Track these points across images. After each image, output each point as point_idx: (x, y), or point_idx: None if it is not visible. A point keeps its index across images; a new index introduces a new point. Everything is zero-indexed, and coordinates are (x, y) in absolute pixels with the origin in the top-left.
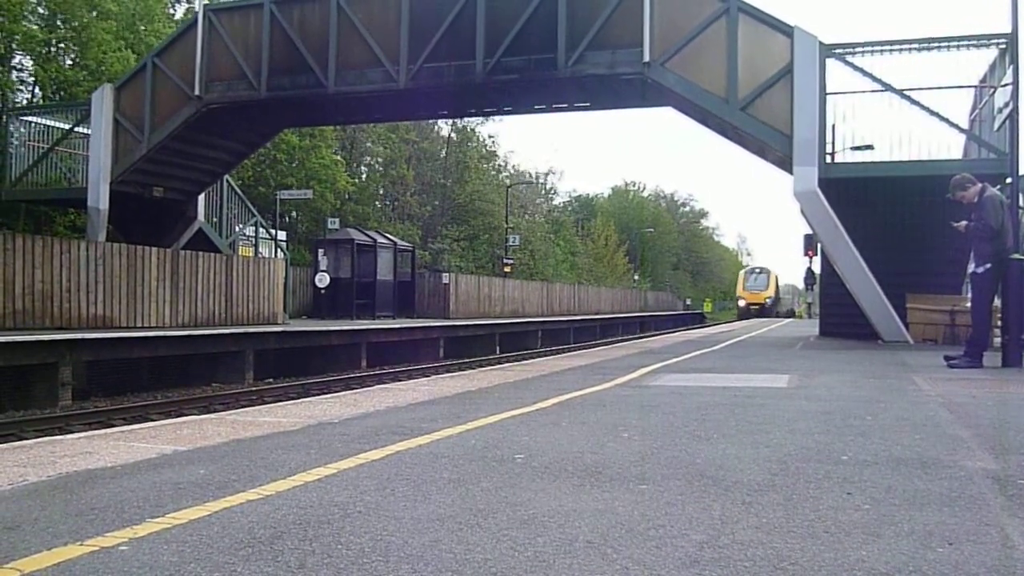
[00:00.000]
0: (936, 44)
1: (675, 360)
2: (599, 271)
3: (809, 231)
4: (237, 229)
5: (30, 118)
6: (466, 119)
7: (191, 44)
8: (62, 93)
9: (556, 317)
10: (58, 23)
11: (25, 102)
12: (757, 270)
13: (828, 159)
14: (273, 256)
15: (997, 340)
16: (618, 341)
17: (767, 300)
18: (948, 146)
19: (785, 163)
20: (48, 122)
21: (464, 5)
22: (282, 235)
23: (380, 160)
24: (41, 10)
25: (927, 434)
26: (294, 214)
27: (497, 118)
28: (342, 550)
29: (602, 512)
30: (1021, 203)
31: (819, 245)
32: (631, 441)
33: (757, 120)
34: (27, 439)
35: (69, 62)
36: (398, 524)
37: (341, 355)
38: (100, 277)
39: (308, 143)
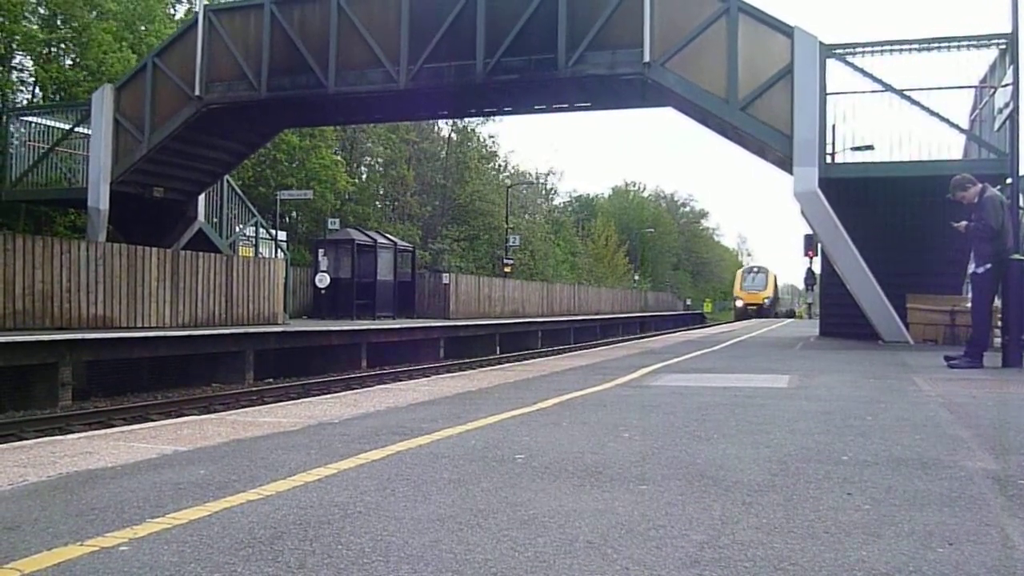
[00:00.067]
0: (936, 44)
1: (675, 360)
2: (599, 271)
3: (809, 231)
4: (237, 229)
5: (30, 118)
6: (466, 119)
7: (191, 44)
8: (62, 93)
9: (556, 317)
10: (58, 23)
11: (25, 102)
12: (755, 269)
13: (828, 159)
14: (273, 256)
15: (997, 340)
16: (618, 341)
17: (765, 300)
18: (948, 146)
19: (785, 163)
20: (48, 122)
21: (464, 5)
22: (282, 235)
23: (380, 160)
24: (41, 10)
25: (927, 434)
26: (294, 214)
27: (497, 118)
28: (342, 550)
29: (602, 512)
30: (1021, 203)
31: (819, 245)
32: (631, 441)
33: (757, 120)
34: (27, 439)
35: (69, 62)
36: (398, 524)
37: (341, 355)
38: (100, 277)
39: (308, 143)
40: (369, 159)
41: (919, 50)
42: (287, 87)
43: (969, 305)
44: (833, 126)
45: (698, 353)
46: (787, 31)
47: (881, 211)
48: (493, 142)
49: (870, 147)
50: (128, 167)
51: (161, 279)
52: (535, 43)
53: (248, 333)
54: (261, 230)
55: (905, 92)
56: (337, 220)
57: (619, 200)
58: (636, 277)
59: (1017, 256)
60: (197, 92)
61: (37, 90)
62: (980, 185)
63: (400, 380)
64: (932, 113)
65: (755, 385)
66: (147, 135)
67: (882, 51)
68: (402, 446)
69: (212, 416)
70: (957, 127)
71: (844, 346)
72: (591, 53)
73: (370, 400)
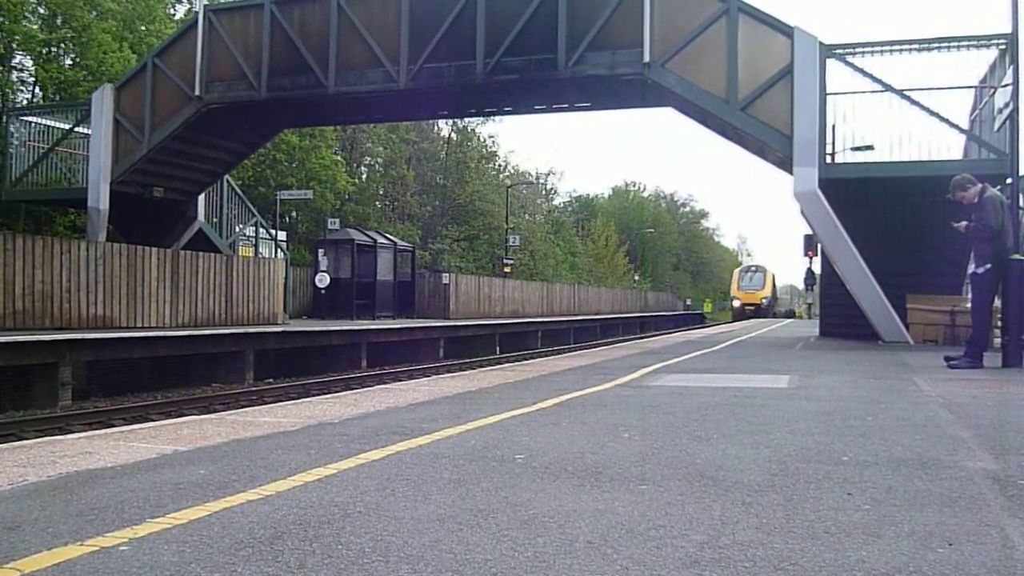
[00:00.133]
0: (936, 44)
1: (675, 360)
2: (599, 271)
3: (809, 231)
4: (237, 229)
5: (30, 118)
6: (466, 119)
7: (191, 44)
8: (62, 93)
9: (556, 317)
10: (58, 23)
11: (25, 102)
12: (753, 268)
13: (828, 159)
14: (273, 256)
15: (997, 341)
16: (618, 341)
17: (763, 300)
18: (948, 146)
19: (785, 163)
20: (48, 122)
21: (464, 5)
22: (282, 235)
23: (380, 160)
24: (41, 10)
25: (927, 434)
26: (294, 214)
27: (497, 118)
28: (342, 550)
29: (602, 512)
30: (1021, 203)
31: (819, 245)
32: (631, 441)
33: (757, 120)
34: (27, 439)
35: (69, 62)
36: (398, 524)
37: (341, 355)
38: (100, 277)
39: (308, 143)
40: (369, 159)
41: (919, 50)
42: (287, 87)
43: (969, 305)
44: (833, 126)
45: (698, 353)
46: (787, 31)
47: (881, 211)
48: (493, 142)
49: (870, 147)
50: (128, 167)
51: (161, 279)
52: (535, 43)
53: (248, 333)
54: (261, 230)
55: (905, 92)
56: (337, 220)
57: (619, 200)
58: (636, 277)
59: (1017, 256)
60: (197, 92)
61: (37, 90)
62: (980, 185)
63: (400, 380)
64: (932, 113)
65: (755, 385)
66: (147, 135)
67: (882, 51)
68: (402, 446)
69: (212, 416)
70: (957, 127)
71: (844, 346)
72: (591, 53)
73: (370, 400)
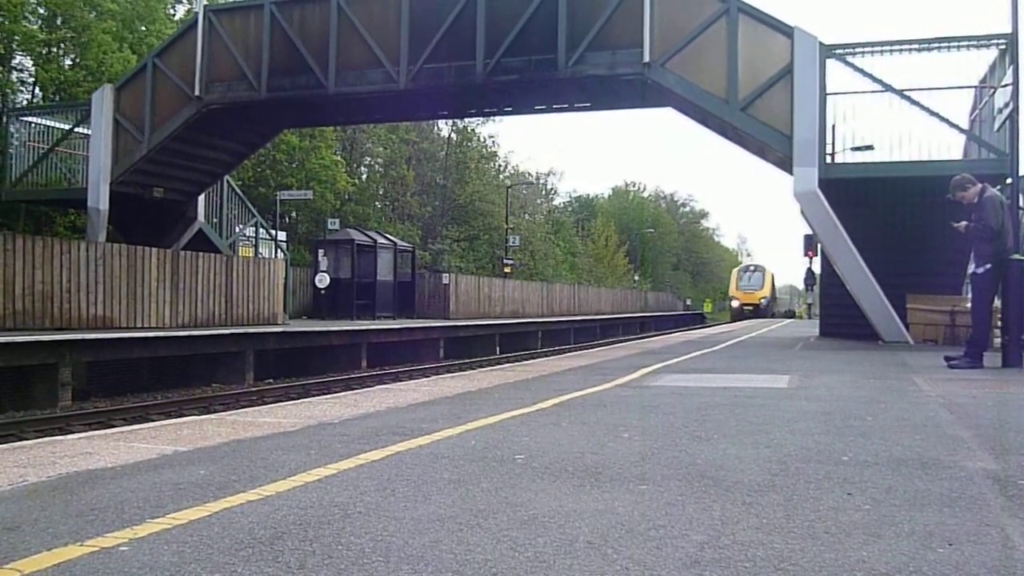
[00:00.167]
0: (936, 45)
1: (675, 360)
2: (599, 271)
3: (809, 232)
4: (237, 230)
5: (30, 118)
6: (466, 119)
7: (191, 45)
8: (62, 93)
9: (556, 317)
10: (58, 23)
11: (25, 103)
12: (751, 268)
13: (828, 159)
14: (273, 257)
15: (997, 341)
16: (618, 341)
17: (762, 300)
18: (948, 146)
19: (785, 164)
20: (48, 123)
21: (464, 6)
22: (282, 235)
23: (380, 161)
24: (41, 10)
25: (927, 434)
26: (294, 214)
27: (497, 119)
28: (342, 551)
29: (602, 512)
30: (1021, 203)
31: (819, 246)
32: (631, 441)
33: (757, 120)
34: (27, 439)
35: (69, 62)
36: (398, 525)
37: (341, 355)
38: (100, 278)
39: (308, 144)
40: (369, 159)
41: (919, 50)
42: (287, 87)
43: (969, 305)
44: (833, 126)
45: (698, 353)
46: (787, 31)
47: (881, 211)
48: (493, 142)
49: (870, 147)
50: (128, 167)
51: (161, 279)
52: (535, 43)
53: (248, 333)
54: (261, 230)
55: (905, 92)
56: (337, 220)
57: (619, 200)
58: (636, 277)
59: (1017, 256)
60: (197, 92)
61: (37, 90)
62: (980, 185)
63: (400, 380)
64: (932, 113)
65: (755, 385)
66: (147, 135)
67: (882, 51)
68: (402, 446)
69: (212, 416)
70: (957, 127)
71: (844, 346)
72: (591, 53)
73: (370, 400)
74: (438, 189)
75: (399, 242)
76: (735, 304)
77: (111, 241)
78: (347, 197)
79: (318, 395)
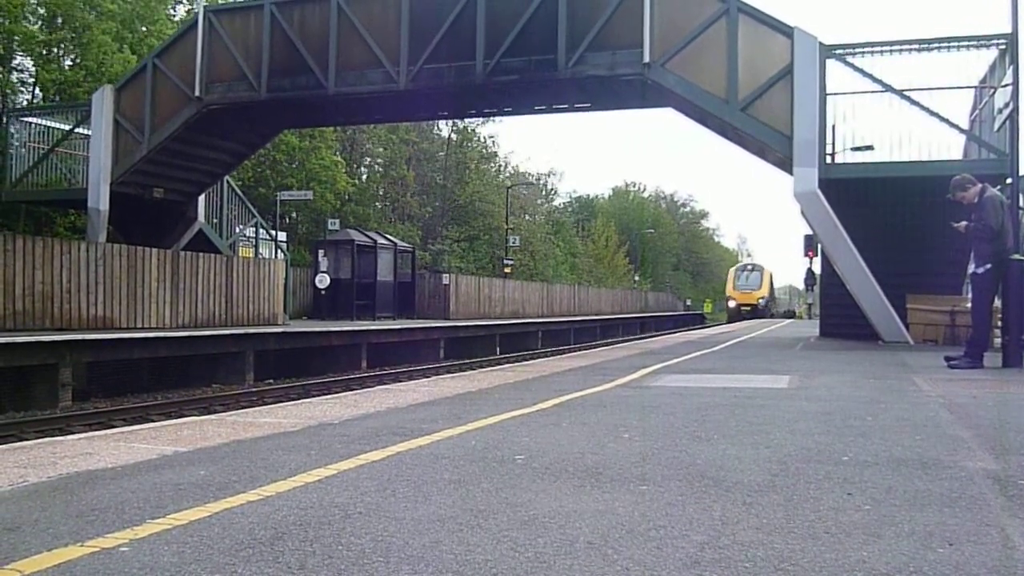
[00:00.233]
0: (936, 45)
1: (675, 361)
2: (599, 272)
3: (809, 232)
4: (237, 230)
5: (30, 119)
6: (466, 120)
7: (191, 45)
8: (62, 94)
9: (556, 318)
10: (58, 24)
11: (25, 103)
12: (749, 267)
13: (828, 160)
14: (273, 257)
15: (997, 341)
16: (618, 342)
17: (760, 301)
18: (948, 146)
19: (785, 164)
20: (48, 123)
21: (464, 6)
22: (282, 236)
23: (380, 161)
24: (41, 11)
25: (927, 435)
26: (294, 215)
27: (497, 119)
28: (343, 551)
29: (603, 513)
30: (1021, 204)
31: (819, 246)
32: (632, 442)
33: (757, 121)
34: (27, 440)
35: (69, 63)
36: (399, 525)
37: (341, 356)
38: (100, 278)
39: (308, 144)
40: (369, 160)
41: (919, 50)
42: (287, 88)
43: (969, 305)
44: (833, 126)
45: (698, 354)
46: (787, 31)
47: (881, 211)
48: (493, 143)
49: (870, 147)
50: (128, 168)
51: (161, 280)
52: (535, 44)
53: (248, 334)
54: (261, 231)
55: (905, 92)
56: (337, 221)
57: (619, 200)
58: (636, 278)
59: (1017, 256)
60: (197, 93)
61: (37, 91)
62: (980, 185)
63: (400, 381)
64: (932, 113)
65: (755, 386)
66: (147, 136)
67: (882, 51)
68: (402, 447)
69: (212, 417)
70: (957, 127)
71: (844, 346)
72: (591, 54)
73: (370, 401)
74: (438, 189)
75: (399, 242)
76: (732, 304)
77: (111, 241)
78: (347, 197)
79: (318, 395)
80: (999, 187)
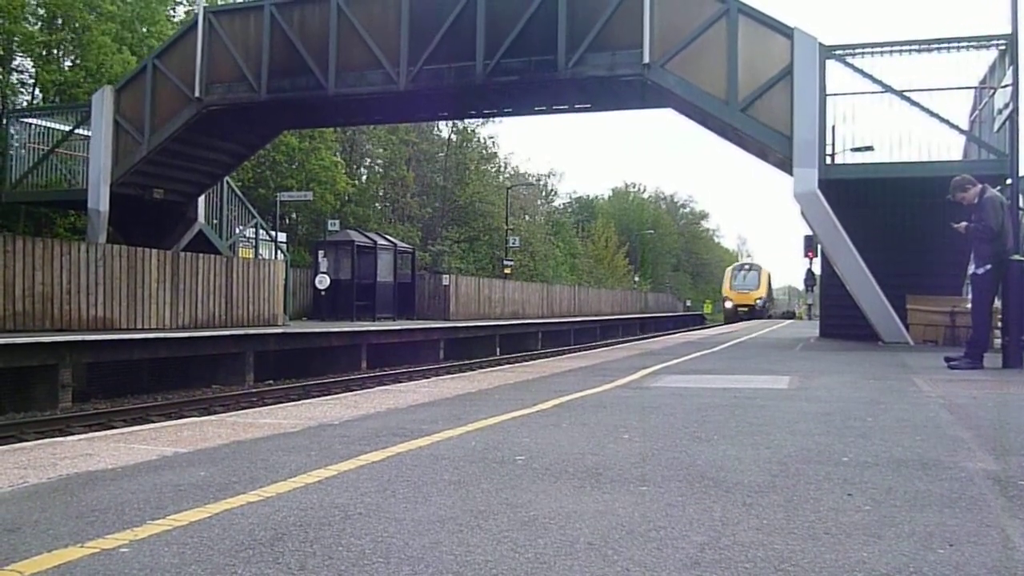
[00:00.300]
0: (936, 45)
1: (675, 361)
2: (599, 272)
3: (809, 232)
4: (237, 231)
5: (30, 120)
6: (466, 121)
7: (191, 46)
8: (62, 95)
9: (556, 319)
10: (58, 24)
11: (25, 104)
12: (746, 267)
13: (828, 160)
14: (273, 258)
15: (997, 341)
16: (618, 343)
17: (757, 301)
18: (948, 147)
19: (785, 164)
20: (48, 124)
21: (464, 6)
22: (282, 237)
23: (380, 162)
24: (41, 11)
25: (928, 435)
26: (294, 216)
27: (497, 120)
28: (343, 552)
29: (603, 513)
30: (1021, 204)
31: (819, 246)
32: (632, 443)
33: (757, 122)
34: (27, 441)
35: (69, 64)
36: (399, 526)
37: (341, 357)
38: (100, 279)
39: (308, 145)
40: (369, 160)
41: (919, 51)
42: (287, 89)
43: (969, 306)
44: (833, 127)
45: (698, 354)
46: (787, 32)
47: (881, 212)
48: (493, 143)
49: (870, 148)
50: (128, 169)
51: (161, 281)
52: (535, 44)
53: (248, 335)
54: (261, 231)
55: (905, 93)
56: (337, 221)
57: (619, 201)
58: (636, 278)
59: (1017, 257)
60: (197, 94)
61: (37, 92)
62: (980, 186)
63: (400, 381)
64: (932, 114)
65: (755, 386)
66: (147, 137)
67: (882, 52)
68: (402, 447)
69: (212, 417)
70: (957, 128)
71: (844, 347)
72: (591, 54)
73: (370, 401)
74: (438, 190)
75: (399, 243)
76: (728, 305)
77: (111, 242)
78: (347, 198)
79: (318, 396)
80: (999, 188)
